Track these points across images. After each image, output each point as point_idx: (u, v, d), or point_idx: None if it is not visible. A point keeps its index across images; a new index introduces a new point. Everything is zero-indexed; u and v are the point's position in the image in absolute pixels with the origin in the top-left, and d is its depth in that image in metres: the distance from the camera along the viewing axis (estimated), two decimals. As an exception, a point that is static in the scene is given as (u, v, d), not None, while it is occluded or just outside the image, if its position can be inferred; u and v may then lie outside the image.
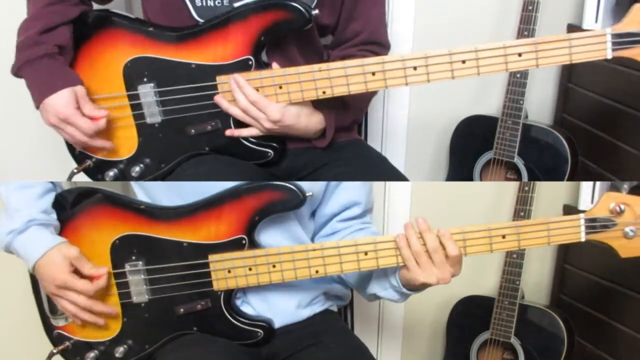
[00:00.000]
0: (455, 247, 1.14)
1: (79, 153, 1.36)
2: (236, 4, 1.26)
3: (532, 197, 1.88)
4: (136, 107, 1.31)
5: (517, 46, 1.17)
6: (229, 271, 1.21)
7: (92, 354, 1.28)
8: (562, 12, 1.99)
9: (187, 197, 1.23)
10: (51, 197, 1.26)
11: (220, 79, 1.27)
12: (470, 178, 2.09)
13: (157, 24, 1.30)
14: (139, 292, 1.25)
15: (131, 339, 1.27)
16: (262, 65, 1.27)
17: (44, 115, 1.24)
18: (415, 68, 1.20)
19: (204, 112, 1.29)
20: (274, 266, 1.20)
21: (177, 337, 1.26)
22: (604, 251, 1.18)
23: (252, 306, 1.29)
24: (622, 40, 1.14)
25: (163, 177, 1.34)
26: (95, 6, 1.38)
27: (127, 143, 1.33)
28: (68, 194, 1.27)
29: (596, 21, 1.83)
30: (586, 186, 1.84)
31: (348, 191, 1.35)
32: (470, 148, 2.08)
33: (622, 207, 1.13)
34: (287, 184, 1.20)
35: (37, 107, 1.25)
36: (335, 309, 1.45)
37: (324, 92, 1.24)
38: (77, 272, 1.21)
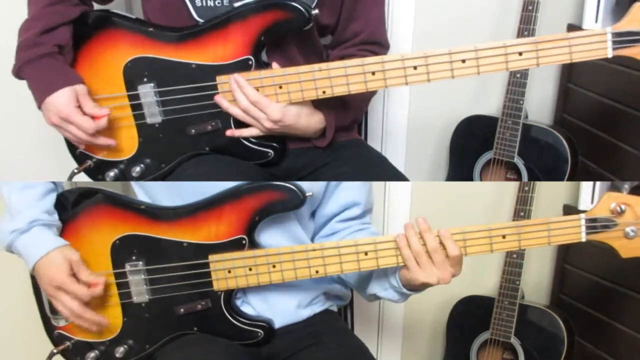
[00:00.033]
0: (456, 247, 1.14)
1: (79, 153, 1.36)
2: (236, 4, 1.26)
3: (532, 197, 1.88)
4: (136, 107, 1.31)
5: (517, 45, 1.17)
6: (229, 271, 1.21)
7: (92, 354, 1.28)
8: (562, 12, 1.99)
9: (188, 197, 1.23)
10: (53, 197, 1.26)
11: (220, 79, 1.27)
12: (470, 178, 2.09)
13: (157, 24, 1.30)
14: (139, 292, 1.25)
15: (131, 339, 1.27)
16: (262, 65, 1.27)
17: (46, 115, 1.24)
18: (415, 67, 1.20)
19: (204, 112, 1.29)
20: (274, 266, 1.20)
21: (178, 337, 1.26)
22: (604, 251, 1.18)
23: (252, 306, 1.29)
24: (623, 39, 1.14)
25: (163, 177, 1.34)
26: (96, 6, 1.38)
27: (127, 143, 1.33)
28: (69, 194, 1.27)
29: (596, 21, 1.83)
30: (586, 186, 1.84)
31: (348, 191, 1.35)
32: (470, 148, 2.08)
33: (623, 207, 1.13)
34: (287, 184, 1.20)
35: (39, 107, 1.25)
36: (335, 309, 1.45)
37: (324, 92, 1.24)
38: (75, 276, 1.21)
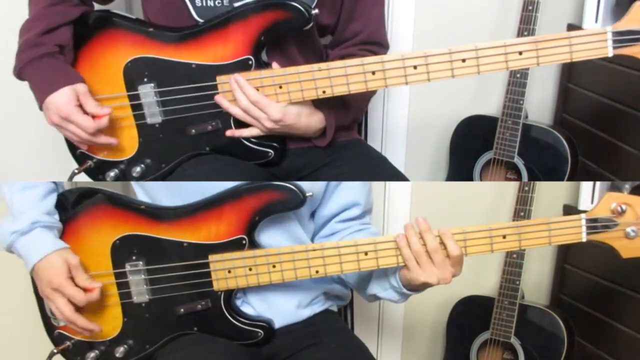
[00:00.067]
0: (457, 247, 1.14)
1: (79, 153, 1.36)
2: (236, 4, 1.26)
3: (532, 197, 1.88)
4: (137, 108, 1.31)
5: (517, 44, 1.17)
6: (229, 271, 1.21)
7: (92, 354, 1.28)
8: (562, 12, 1.99)
9: (188, 197, 1.23)
10: (54, 197, 1.26)
11: (220, 79, 1.27)
12: (470, 178, 2.09)
13: (157, 24, 1.30)
14: (140, 292, 1.25)
15: (131, 339, 1.27)
16: (262, 65, 1.27)
17: (47, 115, 1.24)
18: (415, 67, 1.19)
19: (205, 112, 1.29)
20: (274, 266, 1.20)
21: (178, 337, 1.26)
22: (604, 251, 1.18)
23: (252, 306, 1.29)
24: (623, 38, 1.14)
25: (164, 177, 1.34)
26: (96, 6, 1.38)
27: (127, 143, 1.33)
28: (69, 194, 1.27)
29: (596, 21, 1.83)
30: (586, 186, 1.84)
31: (347, 192, 1.35)
32: (470, 148, 2.08)
33: (624, 207, 1.13)
34: (287, 184, 1.20)
35: (41, 108, 1.25)
36: (335, 309, 1.45)
37: (324, 92, 1.24)
38: (73, 280, 1.20)
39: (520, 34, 1.90)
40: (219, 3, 1.27)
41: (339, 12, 1.41)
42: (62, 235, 1.26)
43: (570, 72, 2.02)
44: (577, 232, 1.16)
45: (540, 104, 2.11)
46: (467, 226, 1.16)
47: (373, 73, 1.21)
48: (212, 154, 1.33)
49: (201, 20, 1.28)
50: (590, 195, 1.83)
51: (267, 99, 1.25)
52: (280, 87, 1.25)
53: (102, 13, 1.31)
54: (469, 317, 2.01)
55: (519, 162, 1.99)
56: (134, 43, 1.28)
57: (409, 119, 2.12)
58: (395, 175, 1.40)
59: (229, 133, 1.31)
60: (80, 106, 1.24)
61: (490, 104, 2.09)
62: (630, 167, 1.78)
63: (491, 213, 2.06)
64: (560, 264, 2.04)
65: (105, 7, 1.41)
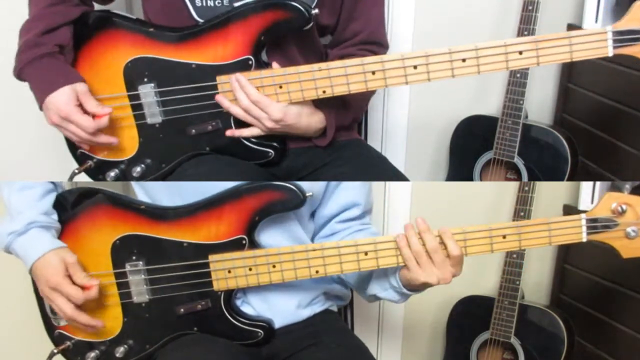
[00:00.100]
0: (457, 247, 1.14)
1: (80, 154, 1.36)
2: (236, 4, 1.26)
3: (532, 197, 1.88)
4: (137, 108, 1.31)
5: (517, 44, 1.17)
6: (229, 271, 1.21)
7: (92, 354, 1.28)
8: (562, 12, 1.99)
9: (188, 197, 1.23)
10: (52, 198, 1.26)
11: (220, 78, 1.27)
12: (470, 178, 2.09)
13: (158, 24, 1.30)
14: (140, 292, 1.25)
15: (132, 339, 1.27)
16: (262, 65, 1.27)
17: (47, 115, 1.24)
18: (415, 67, 1.19)
19: (205, 112, 1.29)
20: (274, 266, 1.20)
21: (178, 337, 1.26)
22: (604, 251, 1.18)
23: (252, 306, 1.29)
24: (623, 37, 1.14)
25: (164, 177, 1.34)
26: (97, 6, 1.38)
27: (127, 143, 1.33)
28: (69, 194, 1.27)
29: (596, 21, 1.83)
30: (586, 186, 1.84)
31: (347, 192, 1.35)
32: (470, 148, 2.08)
33: (624, 207, 1.13)
34: (287, 184, 1.20)
35: (41, 108, 1.25)
36: (335, 309, 1.45)
37: (324, 92, 1.24)
38: (71, 278, 1.20)
39: (520, 34, 1.90)
40: (219, 3, 1.27)
41: (339, 12, 1.41)
42: (62, 235, 1.26)
43: (570, 72, 2.03)
44: (577, 232, 1.16)
45: (540, 104, 2.11)
46: (467, 226, 1.16)
47: (373, 73, 1.21)
48: (212, 154, 1.33)
49: (201, 20, 1.28)
50: (590, 195, 1.83)
51: (268, 98, 1.25)
52: (281, 87, 1.25)
53: (102, 13, 1.31)
54: (469, 317, 2.01)
55: (519, 162, 1.99)
56: (134, 43, 1.28)
57: (409, 119, 2.12)
58: (395, 175, 1.40)
59: (229, 133, 1.31)
60: (80, 106, 1.24)
61: (490, 104, 2.09)
62: (630, 167, 1.78)
63: (491, 213, 2.06)
64: (560, 264, 2.04)
65: (106, 7, 1.41)
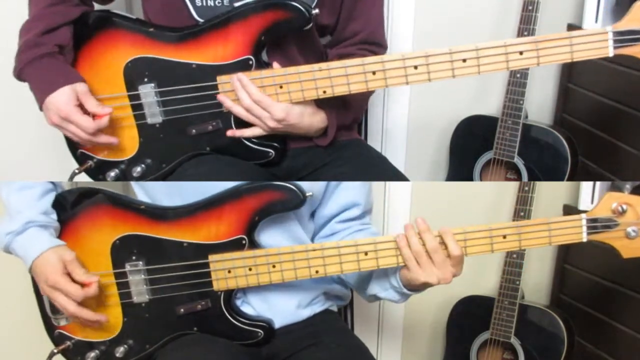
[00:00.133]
0: (457, 246, 1.14)
1: (80, 154, 1.36)
2: (236, 4, 1.26)
3: (532, 197, 1.88)
4: (137, 108, 1.31)
5: (518, 44, 1.17)
6: (229, 271, 1.21)
7: (92, 354, 1.28)
8: (562, 12, 1.99)
9: (188, 197, 1.23)
10: (51, 197, 1.26)
11: (220, 78, 1.27)
12: (470, 178, 2.09)
13: (158, 24, 1.30)
14: (140, 292, 1.25)
15: (132, 339, 1.27)
16: (262, 65, 1.27)
17: (47, 115, 1.24)
18: (416, 67, 1.19)
19: (205, 112, 1.29)
20: (274, 266, 1.20)
21: (178, 337, 1.26)
22: (605, 251, 1.18)
23: (252, 306, 1.29)
24: (624, 37, 1.14)
25: (164, 177, 1.34)
26: (97, 6, 1.38)
27: (128, 143, 1.33)
28: (68, 194, 1.27)
29: (596, 21, 1.83)
30: (586, 186, 1.84)
31: (347, 192, 1.35)
32: (470, 148, 2.08)
33: (625, 207, 1.13)
34: (287, 184, 1.20)
35: (41, 108, 1.25)
36: (335, 309, 1.45)
37: (324, 92, 1.24)
38: (70, 276, 1.20)
39: (520, 34, 1.90)
40: (219, 3, 1.27)
41: (339, 11, 1.41)
42: (62, 235, 1.26)
43: (571, 72, 2.02)
44: (577, 232, 1.16)
45: (540, 104, 2.11)
46: (467, 226, 1.16)
47: (373, 73, 1.21)
48: (212, 154, 1.33)
49: (201, 20, 1.28)
50: (590, 195, 1.83)
51: (270, 98, 1.25)
52: (281, 87, 1.25)
53: (102, 13, 1.31)
54: (469, 317, 2.01)
55: (519, 162, 1.99)
56: (134, 43, 1.28)
57: (409, 119, 2.12)
58: (395, 175, 1.40)
59: (229, 133, 1.31)
60: (81, 106, 1.24)
61: (490, 104, 2.09)
62: (630, 167, 1.78)
63: (491, 213, 2.06)
64: (560, 264, 2.04)
65: (105, 7, 1.41)
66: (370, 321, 2.18)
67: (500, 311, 1.92)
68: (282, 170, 1.38)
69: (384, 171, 1.41)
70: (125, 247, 1.24)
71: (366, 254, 1.18)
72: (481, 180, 2.08)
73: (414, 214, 2.07)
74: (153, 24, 1.31)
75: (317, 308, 1.36)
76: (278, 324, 1.29)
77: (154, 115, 1.31)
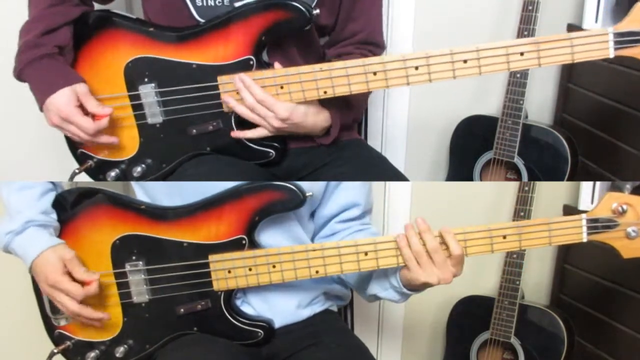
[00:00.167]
0: (458, 246, 1.14)
1: (80, 153, 1.36)
2: (237, 4, 1.26)
3: (532, 197, 1.88)
4: (137, 108, 1.30)
5: (519, 45, 1.17)
6: (229, 271, 1.21)
7: (92, 354, 1.28)
8: (562, 12, 1.99)
9: (188, 197, 1.23)
10: (51, 197, 1.26)
11: (221, 79, 1.27)
12: (470, 178, 2.09)
13: (158, 24, 1.30)
14: (140, 292, 1.25)
15: (132, 339, 1.27)
16: (263, 65, 1.27)
17: (47, 116, 1.24)
18: (416, 68, 1.19)
19: (206, 113, 1.29)
20: (274, 266, 1.20)
21: (178, 337, 1.26)
22: (605, 251, 1.18)
23: (252, 306, 1.29)
24: (624, 39, 1.14)
25: (164, 177, 1.34)
26: (97, 6, 1.38)
27: (128, 143, 1.33)
28: (68, 194, 1.27)
29: (596, 21, 1.83)
30: (586, 186, 1.84)
31: (347, 192, 1.35)
32: (470, 148, 2.08)
33: (625, 207, 1.13)
34: (287, 184, 1.20)
35: (41, 109, 1.25)
36: (335, 309, 1.45)
37: (325, 92, 1.24)
38: (70, 275, 1.20)
39: (520, 34, 1.90)
40: (219, 3, 1.27)
41: (338, 12, 1.41)
42: (62, 235, 1.26)
43: (571, 72, 2.03)
44: (577, 232, 1.16)
45: (540, 104, 2.11)
46: (467, 226, 1.16)
47: (374, 74, 1.21)
48: (213, 154, 1.33)
49: (202, 20, 1.28)
50: (590, 195, 1.83)
51: (273, 97, 1.25)
52: (282, 87, 1.25)
53: (103, 13, 1.31)
54: (469, 317, 2.01)
55: (519, 162, 1.99)
56: (134, 43, 1.28)
57: (409, 119, 2.12)
58: (395, 175, 1.40)
59: (234, 135, 1.30)
60: (81, 106, 1.24)
61: (490, 104, 2.09)
62: (630, 167, 1.78)
63: (491, 213, 2.06)
64: (560, 264, 2.04)
65: (105, 6, 1.40)
66: (370, 321, 2.18)
67: (500, 311, 1.92)
68: (282, 170, 1.38)
69: (384, 171, 1.41)
70: (125, 247, 1.24)
71: (366, 254, 1.18)
72: (481, 180, 2.08)
73: (414, 214, 2.07)
74: (153, 23, 1.31)
75: (317, 308, 1.36)
76: (278, 324, 1.29)
77: (155, 115, 1.30)
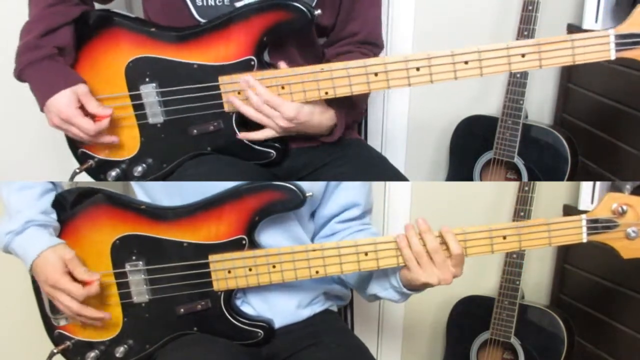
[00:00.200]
0: (458, 245, 1.14)
1: (81, 153, 1.36)
2: (238, 4, 1.26)
3: (532, 197, 1.88)
4: (138, 107, 1.30)
5: (520, 47, 1.17)
6: (229, 271, 1.21)
7: (92, 354, 1.28)
8: (562, 12, 1.99)
9: (188, 197, 1.23)
10: (51, 197, 1.26)
11: (222, 79, 1.27)
12: (470, 178, 2.09)
13: (159, 24, 1.30)
14: (140, 292, 1.25)
15: (132, 339, 1.27)
16: (264, 66, 1.27)
17: (48, 117, 1.25)
18: (418, 69, 1.19)
19: (207, 113, 1.29)
20: (274, 266, 1.20)
21: (178, 337, 1.26)
22: (604, 251, 1.18)
23: (252, 306, 1.29)
24: (626, 41, 1.14)
25: (165, 177, 1.34)
26: (97, 6, 1.38)
27: (129, 143, 1.33)
28: (68, 194, 1.27)
29: (596, 21, 1.83)
30: (586, 186, 1.84)
31: (347, 192, 1.35)
32: (470, 148, 2.08)
33: (625, 207, 1.13)
34: (287, 184, 1.20)
35: (42, 110, 1.25)
36: (335, 309, 1.45)
37: (326, 93, 1.24)
38: (71, 274, 1.20)
39: (520, 33, 1.90)
40: (219, 3, 1.27)
41: (337, 12, 1.41)
42: (62, 235, 1.26)
43: (570, 72, 2.03)
44: (577, 232, 1.16)
45: (540, 104, 2.11)
46: (467, 227, 1.16)
47: (376, 74, 1.21)
48: (213, 154, 1.33)
49: (202, 20, 1.28)
50: (590, 195, 1.83)
51: (280, 98, 1.25)
52: (283, 88, 1.25)
53: (103, 12, 1.31)
54: (469, 317, 2.01)
55: (519, 162, 1.99)
56: (135, 43, 1.28)
57: (409, 119, 2.12)
58: (395, 175, 1.40)
59: (241, 136, 1.30)
60: (82, 107, 1.24)
61: (490, 104, 2.09)
62: (630, 167, 1.78)
63: (491, 213, 2.06)
64: (560, 264, 2.04)
65: (105, 6, 1.40)
66: (370, 321, 2.18)
67: (500, 311, 1.92)
68: (282, 170, 1.38)
69: (384, 171, 1.41)
70: (125, 247, 1.24)
71: (366, 254, 1.18)
72: (481, 180, 2.08)
73: (414, 214, 2.07)
74: (155, 23, 1.31)
75: (317, 308, 1.36)
76: (278, 324, 1.29)
77: (156, 115, 1.30)
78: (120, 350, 1.26)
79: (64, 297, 1.19)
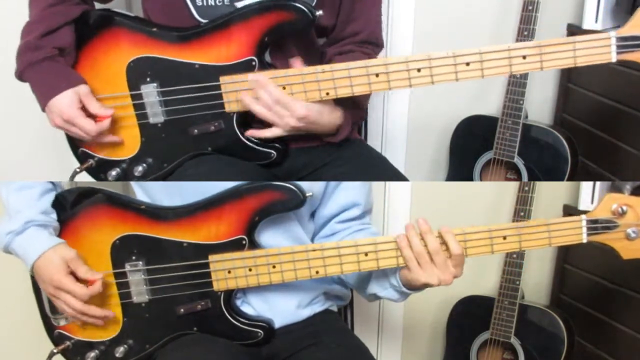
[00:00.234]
0: (458, 245, 1.14)
1: (81, 152, 1.36)
2: (238, 4, 1.26)
3: (532, 197, 1.88)
4: (139, 107, 1.30)
5: (521, 49, 1.17)
6: (229, 271, 1.21)
7: (92, 354, 1.28)
8: (562, 12, 1.99)
9: (188, 197, 1.23)
10: (51, 197, 1.26)
11: (223, 79, 1.27)
12: (470, 178, 2.09)
13: (161, 24, 1.30)
14: (139, 292, 1.25)
15: (132, 339, 1.27)
16: (265, 66, 1.27)
17: (50, 117, 1.25)
18: (419, 70, 1.19)
19: (208, 113, 1.29)
20: (274, 267, 1.20)
21: (178, 337, 1.26)
22: (604, 251, 1.18)
23: (252, 306, 1.29)
24: (627, 43, 1.14)
25: (165, 177, 1.34)
26: (97, 5, 1.38)
27: (129, 142, 1.33)
28: (68, 194, 1.27)
29: (596, 21, 1.83)
30: (586, 186, 1.84)
31: (347, 192, 1.35)
32: (470, 148, 2.08)
33: (625, 208, 1.13)
34: (287, 184, 1.20)
35: (44, 110, 1.25)
36: (335, 309, 1.45)
37: (327, 94, 1.24)
38: (74, 274, 1.20)
39: (520, 34, 1.90)
40: (220, 3, 1.27)
41: (337, 12, 1.41)
42: (62, 235, 1.26)
43: (570, 72, 2.02)
44: (577, 233, 1.16)
45: (540, 104, 2.11)
46: (467, 227, 1.16)
47: (377, 75, 1.21)
48: (214, 154, 1.33)
49: (202, 20, 1.27)
50: (590, 195, 1.83)
51: (289, 97, 1.25)
52: (284, 88, 1.25)
53: (104, 12, 1.31)
54: (469, 317, 2.01)
55: (519, 162, 1.99)
56: (136, 42, 1.28)
57: (409, 119, 2.12)
58: (395, 175, 1.40)
59: (249, 133, 1.30)
60: (83, 108, 1.24)
61: (490, 104, 2.09)
62: (630, 167, 1.78)
63: (491, 213, 2.06)
64: (560, 264, 2.04)
65: (105, 5, 1.40)
66: (370, 321, 2.19)
67: (500, 311, 1.92)
68: (282, 170, 1.38)
69: (384, 171, 1.41)
70: (125, 247, 1.24)
71: (366, 254, 1.18)
72: (481, 180, 2.08)
73: (414, 214, 2.07)
74: (156, 23, 1.30)
75: (317, 308, 1.36)
76: (278, 324, 1.29)
77: (156, 115, 1.30)
78: (120, 350, 1.26)
79: (68, 297, 1.19)
